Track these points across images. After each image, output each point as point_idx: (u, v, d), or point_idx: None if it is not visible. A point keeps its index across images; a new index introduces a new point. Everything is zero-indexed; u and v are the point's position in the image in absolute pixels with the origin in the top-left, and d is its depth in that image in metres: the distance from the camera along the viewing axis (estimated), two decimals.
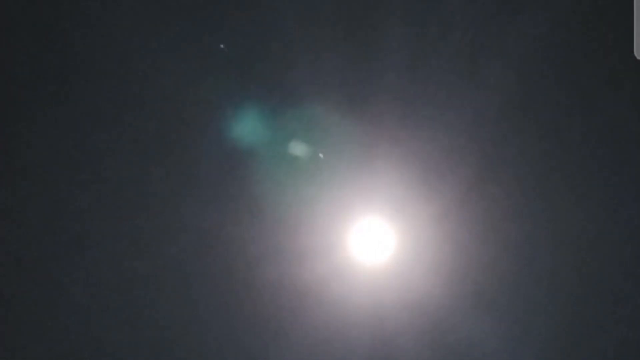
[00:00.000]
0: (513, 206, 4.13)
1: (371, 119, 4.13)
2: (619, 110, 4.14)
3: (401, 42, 4.15)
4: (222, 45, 4.13)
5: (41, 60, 4.18)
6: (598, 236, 4.10)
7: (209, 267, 4.10)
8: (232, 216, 4.11)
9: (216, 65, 4.17)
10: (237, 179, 4.13)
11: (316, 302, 4.06)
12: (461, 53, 4.15)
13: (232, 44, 4.18)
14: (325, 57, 4.14)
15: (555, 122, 4.16)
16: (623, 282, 4.08)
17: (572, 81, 4.16)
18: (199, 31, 4.18)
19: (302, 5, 4.17)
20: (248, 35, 4.20)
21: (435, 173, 4.13)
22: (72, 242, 4.11)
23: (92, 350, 4.06)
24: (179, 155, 4.16)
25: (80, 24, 4.18)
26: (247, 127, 4.16)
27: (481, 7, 4.17)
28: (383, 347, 4.07)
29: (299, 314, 4.06)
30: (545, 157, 4.16)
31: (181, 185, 4.14)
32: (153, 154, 4.16)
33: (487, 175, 4.13)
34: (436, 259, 4.10)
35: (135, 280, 4.09)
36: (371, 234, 4.16)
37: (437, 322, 4.06)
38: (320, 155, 4.13)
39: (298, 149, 4.14)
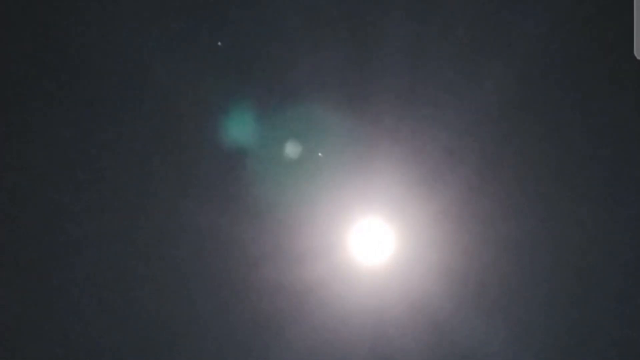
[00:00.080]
0: (513, 206, 4.13)
1: (371, 119, 4.13)
2: (619, 110, 4.14)
3: (401, 41, 4.14)
4: (219, 43, 4.13)
5: (40, 60, 4.17)
6: (598, 236, 4.10)
7: (209, 267, 4.10)
8: (231, 216, 4.10)
9: (216, 65, 4.16)
10: (236, 179, 4.13)
11: (316, 303, 4.06)
12: (461, 53, 4.15)
13: (232, 44, 4.17)
14: (325, 57, 4.14)
15: (555, 122, 4.16)
16: (623, 282, 4.08)
17: (573, 81, 4.16)
18: (198, 31, 4.17)
19: (302, 5, 4.16)
20: (248, 35, 4.19)
21: (435, 173, 4.12)
22: (72, 242, 4.11)
23: (92, 351, 4.06)
24: (179, 155, 4.15)
25: (79, 23, 4.17)
26: (247, 127, 4.15)
27: (481, 6, 4.17)
28: (383, 347, 4.07)
29: (298, 315, 4.06)
30: (545, 157, 4.16)
31: (181, 185, 4.14)
32: (153, 154, 4.15)
33: (487, 175, 4.13)
34: (436, 259, 4.10)
35: (134, 281, 4.09)
36: (371, 234, 4.15)
37: (437, 322, 4.06)
38: (320, 155, 4.13)
39: (298, 149, 4.13)
